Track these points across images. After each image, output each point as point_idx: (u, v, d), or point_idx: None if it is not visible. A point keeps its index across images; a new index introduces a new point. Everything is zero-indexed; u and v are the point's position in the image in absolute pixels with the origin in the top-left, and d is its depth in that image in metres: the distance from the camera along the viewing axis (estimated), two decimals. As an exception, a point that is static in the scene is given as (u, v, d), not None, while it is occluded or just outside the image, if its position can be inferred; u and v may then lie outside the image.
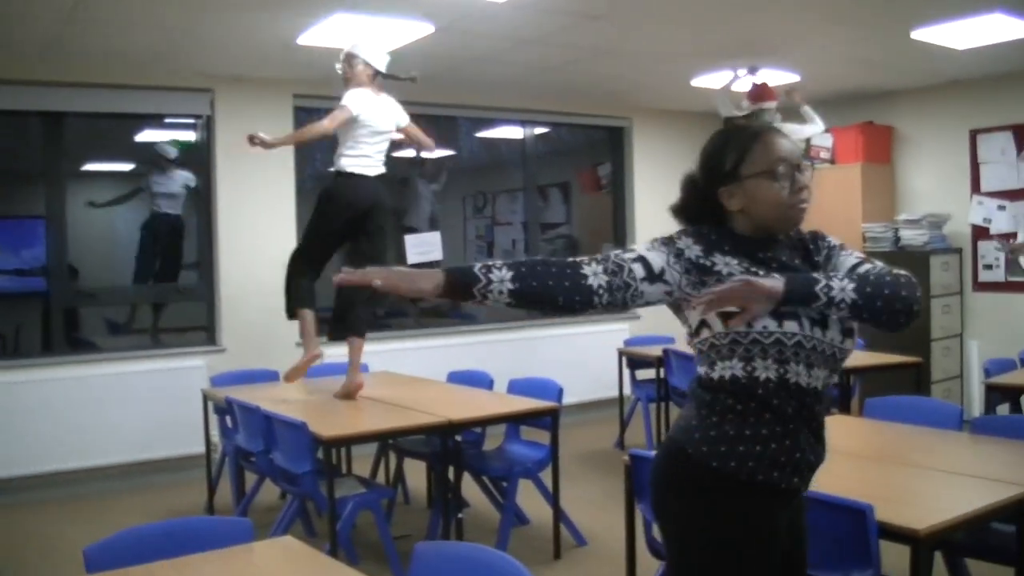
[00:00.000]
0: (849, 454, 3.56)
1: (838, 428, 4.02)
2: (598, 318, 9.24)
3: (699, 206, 2.36)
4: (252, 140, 5.31)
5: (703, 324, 2.24)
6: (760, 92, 7.05)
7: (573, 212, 10.99)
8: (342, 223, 5.42)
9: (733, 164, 2.28)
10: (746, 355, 2.19)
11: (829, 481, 3.11)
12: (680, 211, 2.41)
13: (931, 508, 2.80)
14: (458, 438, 4.64)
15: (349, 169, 5.35)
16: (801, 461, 2.25)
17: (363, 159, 5.37)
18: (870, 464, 3.45)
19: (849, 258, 2.34)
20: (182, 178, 7.79)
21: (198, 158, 7.33)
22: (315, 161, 8.99)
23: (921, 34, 6.21)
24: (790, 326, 2.16)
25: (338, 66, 5.49)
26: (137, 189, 8.15)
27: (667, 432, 2.37)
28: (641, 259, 2.20)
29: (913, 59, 7.09)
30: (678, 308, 2.31)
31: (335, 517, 4.34)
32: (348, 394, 5.28)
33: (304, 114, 7.49)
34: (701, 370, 2.30)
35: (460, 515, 4.72)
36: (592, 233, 10.32)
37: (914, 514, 2.70)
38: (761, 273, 2.17)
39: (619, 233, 9.54)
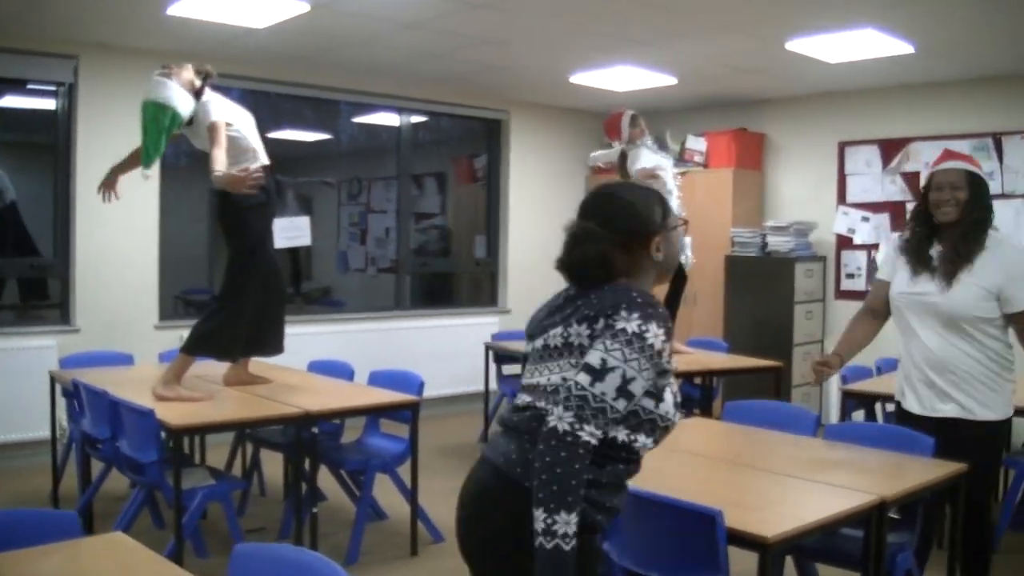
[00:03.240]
0: (705, 457, 3.57)
1: (696, 431, 4.03)
2: (466, 310, 9.21)
3: (617, 260, 2.29)
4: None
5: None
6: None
7: (448, 203, 10.90)
8: None
9: (662, 216, 2.38)
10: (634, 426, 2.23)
11: (683, 485, 3.11)
12: (595, 265, 2.29)
13: (781, 514, 2.80)
14: (314, 430, 4.51)
15: None
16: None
17: None
18: (724, 468, 3.46)
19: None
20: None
21: (56, 126, 6.99)
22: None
23: (795, 45, 6.31)
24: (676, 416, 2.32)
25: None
26: None
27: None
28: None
29: (787, 69, 7.21)
30: None
31: (181, 509, 4.17)
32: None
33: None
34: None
35: (314, 509, 4.59)
36: (466, 225, 10.26)
37: (764, 520, 2.69)
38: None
39: (492, 226, 9.51)
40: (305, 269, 10.49)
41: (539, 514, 2.04)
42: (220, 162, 4.51)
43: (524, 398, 2.32)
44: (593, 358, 2.13)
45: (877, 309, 4.09)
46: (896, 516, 3.60)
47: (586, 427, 2.08)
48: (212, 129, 4.61)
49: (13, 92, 7.30)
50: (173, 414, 4.26)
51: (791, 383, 8.04)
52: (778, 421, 4.10)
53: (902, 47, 6.25)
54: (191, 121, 4.75)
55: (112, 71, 6.90)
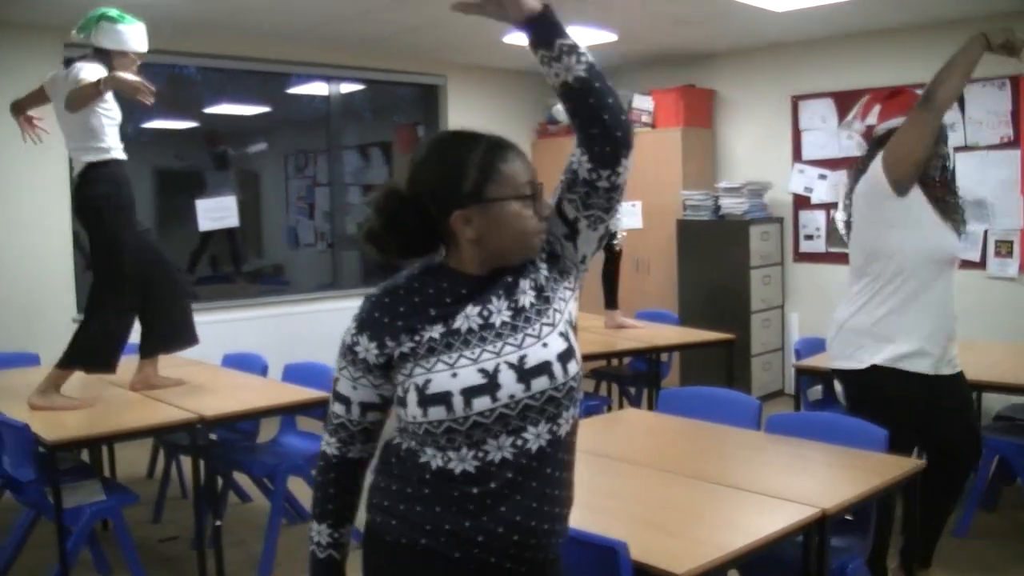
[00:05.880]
0: (624, 462, 3.15)
1: (621, 428, 3.64)
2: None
3: (416, 231, 1.88)
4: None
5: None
6: None
7: (395, 173, 10.47)
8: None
9: (475, 183, 1.83)
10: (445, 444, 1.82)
11: (591, 500, 2.71)
12: (384, 236, 1.89)
13: (701, 539, 2.40)
14: (212, 436, 4.09)
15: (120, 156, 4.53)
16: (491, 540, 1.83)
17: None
18: (645, 477, 3.02)
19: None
20: None
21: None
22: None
23: (737, -7, 5.89)
24: (435, 412, 1.79)
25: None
26: None
27: None
28: None
29: (731, 20, 6.79)
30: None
31: (63, 532, 3.75)
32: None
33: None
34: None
35: (217, 522, 4.17)
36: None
37: (677, 549, 2.30)
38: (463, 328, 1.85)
39: (434, 195, 9.12)
40: (255, 246, 10.07)
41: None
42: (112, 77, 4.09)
43: None
44: None
45: None
46: (849, 517, 3.23)
47: (325, 434, 2.00)
48: (77, 82, 4.13)
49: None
50: (50, 427, 3.83)
51: (750, 352, 7.67)
52: (717, 411, 3.71)
53: (851, -9, 5.85)
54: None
55: (12, 49, 6.40)
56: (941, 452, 3.72)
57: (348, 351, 1.88)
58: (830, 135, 7.70)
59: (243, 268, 9.41)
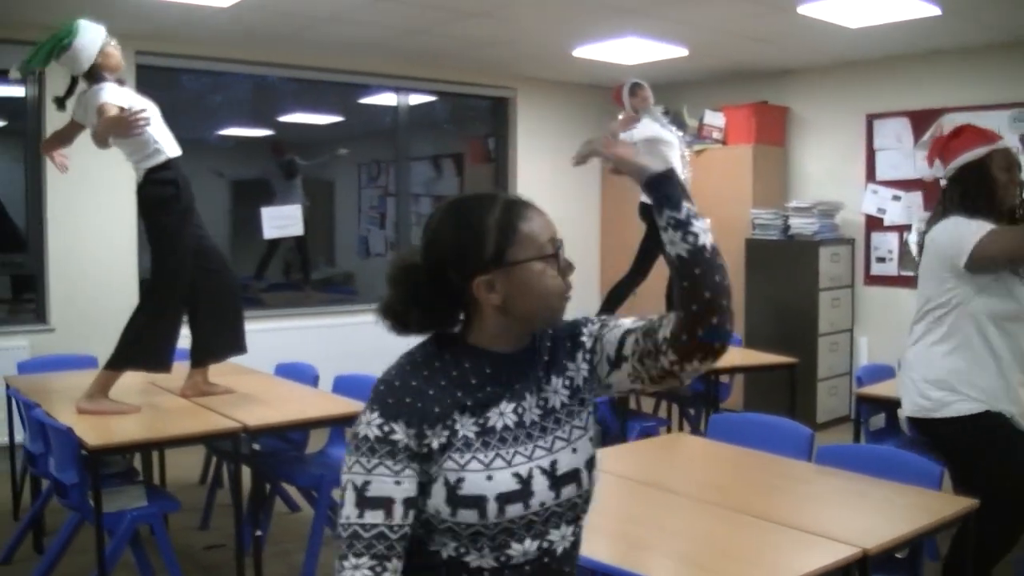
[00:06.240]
0: (665, 491, 3.04)
1: (668, 454, 3.53)
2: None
3: (437, 303, 1.77)
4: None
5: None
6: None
7: (466, 184, 10.49)
8: None
9: (496, 246, 1.71)
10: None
11: (626, 530, 2.61)
12: (403, 311, 1.77)
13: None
14: (255, 446, 4.06)
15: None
16: None
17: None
18: (684, 508, 2.92)
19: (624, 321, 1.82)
20: None
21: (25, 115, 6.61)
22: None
23: (808, 9, 5.73)
24: (466, 515, 1.65)
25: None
26: None
27: None
28: None
29: (804, 36, 6.64)
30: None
31: (102, 536, 3.75)
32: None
33: (150, 73, 6.82)
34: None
35: (258, 532, 4.15)
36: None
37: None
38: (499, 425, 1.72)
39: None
40: (326, 255, 10.16)
41: None
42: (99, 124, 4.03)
43: None
44: None
45: None
46: (900, 555, 3.08)
47: (344, 562, 1.61)
48: (100, 111, 4.07)
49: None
50: (95, 432, 3.83)
51: (816, 376, 7.48)
52: (768, 438, 3.58)
53: (927, 8, 5.66)
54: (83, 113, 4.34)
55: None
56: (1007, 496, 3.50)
57: (381, 442, 1.64)
58: (905, 155, 7.49)
59: (312, 276, 9.47)
